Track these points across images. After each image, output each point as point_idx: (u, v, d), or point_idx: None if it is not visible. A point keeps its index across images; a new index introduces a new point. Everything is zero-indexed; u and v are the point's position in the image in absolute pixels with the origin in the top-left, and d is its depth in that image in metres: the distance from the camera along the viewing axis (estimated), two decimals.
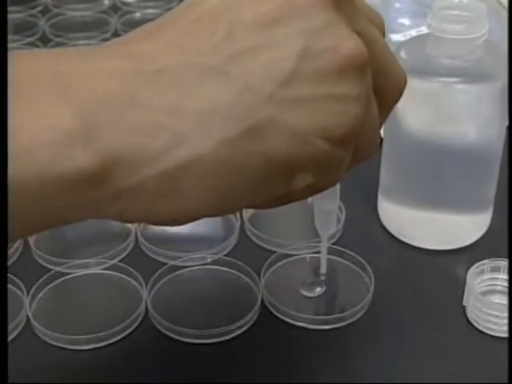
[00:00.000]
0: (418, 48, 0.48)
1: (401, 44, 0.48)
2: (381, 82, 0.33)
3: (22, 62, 0.29)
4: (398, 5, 0.77)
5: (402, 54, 0.47)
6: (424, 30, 0.72)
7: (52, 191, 0.27)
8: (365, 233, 0.53)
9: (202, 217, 0.31)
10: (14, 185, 0.27)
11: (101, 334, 0.44)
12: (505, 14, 0.76)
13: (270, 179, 0.31)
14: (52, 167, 0.27)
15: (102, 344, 0.44)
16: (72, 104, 0.28)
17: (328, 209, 0.43)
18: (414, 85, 0.47)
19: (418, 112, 0.48)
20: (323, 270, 0.47)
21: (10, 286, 0.47)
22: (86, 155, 0.28)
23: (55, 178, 0.27)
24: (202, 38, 0.30)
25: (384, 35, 0.35)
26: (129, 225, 0.53)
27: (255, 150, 0.30)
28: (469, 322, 0.46)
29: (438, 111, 0.47)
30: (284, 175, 0.31)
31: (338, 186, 0.42)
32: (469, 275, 0.46)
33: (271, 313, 0.47)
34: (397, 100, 0.35)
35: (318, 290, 0.48)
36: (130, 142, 0.28)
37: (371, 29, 0.33)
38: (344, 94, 0.30)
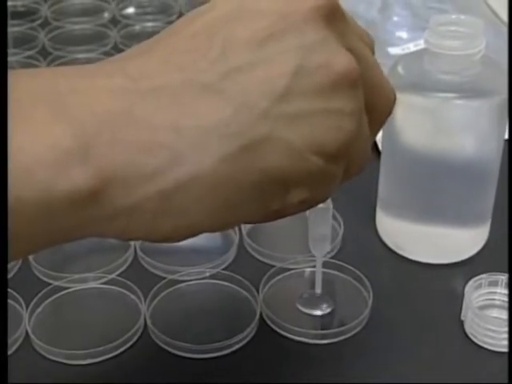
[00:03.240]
0: (416, 63, 0.48)
1: (398, 59, 0.49)
2: (371, 99, 0.33)
3: (21, 81, 0.29)
4: (395, 18, 0.77)
5: (400, 70, 0.48)
6: (422, 43, 0.72)
7: (51, 211, 0.28)
8: (363, 247, 0.53)
9: (201, 233, 0.32)
10: (13, 205, 0.27)
11: (100, 348, 0.44)
12: (503, 29, 0.77)
13: (267, 194, 0.31)
14: (51, 187, 0.27)
15: (100, 359, 0.44)
16: (70, 123, 0.28)
17: (322, 233, 0.44)
18: (411, 100, 0.48)
19: (415, 127, 0.48)
20: (318, 289, 0.47)
21: (9, 300, 0.47)
22: (83, 174, 0.28)
23: (54, 198, 0.27)
24: (198, 55, 0.30)
25: (373, 53, 0.35)
26: None
27: (253, 166, 0.30)
28: (467, 336, 0.46)
29: (435, 126, 0.47)
30: (279, 190, 0.31)
31: (331, 210, 0.43)
32: (467, 289, 0.46)
33: (270, 327, 0.47)
34: (387, 116, 0.36)
35: (318, 308, 0.48)
36: (128, 160, 0.29)
37: (361, 46, 0.33)
38: (338, 109, 0.31)
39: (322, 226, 0.43)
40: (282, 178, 0.31)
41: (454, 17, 0.46)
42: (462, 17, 0.46)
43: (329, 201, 0.42)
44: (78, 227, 0.29)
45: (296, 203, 0.32)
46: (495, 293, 0.47)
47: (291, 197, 0.32)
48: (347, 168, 0.33)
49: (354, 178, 0.35)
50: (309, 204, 0.34)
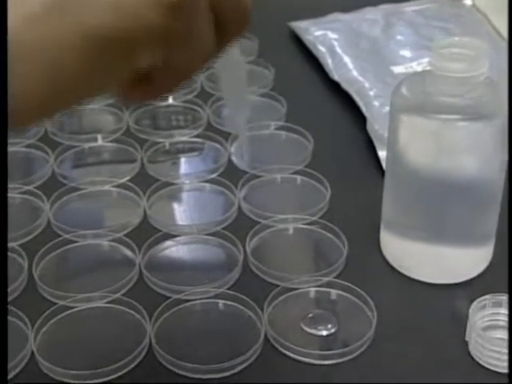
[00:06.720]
0: (419, 85, 0.48)
1: (402, 81, 0.49)
2: None
3: None
4: (399, 37, 0.78)
5: (404, 91, 0.48)
6: (425, 61, 0.72)
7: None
8: (367, 266, 0.53)
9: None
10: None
11: (105, 368, 0.44)
12: (504, 45, 0.77)
13: (106, 57, 0.30)
14: None
15: (106, 379, 0.45)
16: None
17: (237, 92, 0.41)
18: (415, 121, 0.48)
19: (419, 148, 0.48)
20: (246, 157, 0.48)
21: (14, 319, 0.47)
22: None
23: None
24: None
25: None
26: (133, 256, 0.53)
27: (67, 24, 0.29)
28: (471, 357, 0.46)
29: (439, 147, 0.47)
30: (119, 52, 0.30)
31: (242, 64, 0.40)
32: (471, 310, 0.46)
33: (274, 347, 0.47)
34: None
35: (322, 328, 0.48)
36: None
37: None
38: None
39: (236, 82, 0.40)
40: (113, 37, 0.29)
41: (456, 39, 0.47)
42: (465, 39, 0.47)
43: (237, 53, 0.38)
44: None
45: (153, 65, 0.31)
46: (499, 314, 0.47)
47: (140, 59, 0.30)
48: (223, 27, 0.32)
49: (237, 37, 0.34)
50: (174, 66, 0.32)
